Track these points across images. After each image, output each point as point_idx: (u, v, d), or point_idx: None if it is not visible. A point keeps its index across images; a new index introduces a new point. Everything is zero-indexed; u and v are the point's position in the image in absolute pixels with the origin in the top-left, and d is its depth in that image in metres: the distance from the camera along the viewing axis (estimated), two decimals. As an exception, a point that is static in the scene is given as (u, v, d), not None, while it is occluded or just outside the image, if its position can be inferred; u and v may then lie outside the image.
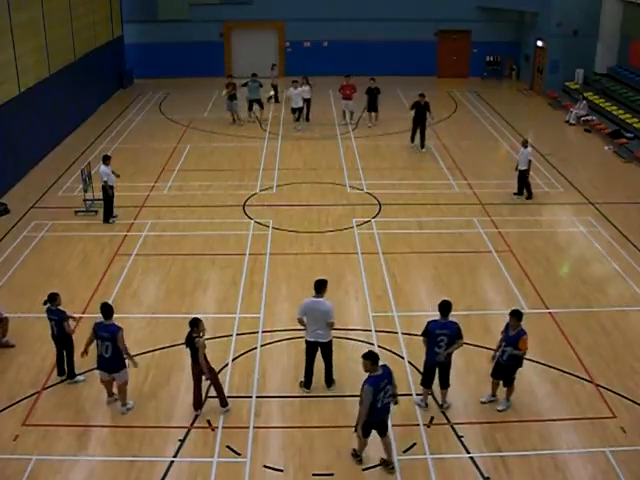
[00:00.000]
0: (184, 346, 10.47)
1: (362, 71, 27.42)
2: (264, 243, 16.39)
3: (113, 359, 10.44)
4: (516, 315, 10.51)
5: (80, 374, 11.40)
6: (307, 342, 11.02)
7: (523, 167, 18.86)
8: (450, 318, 10.46)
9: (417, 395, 10.96)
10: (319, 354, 11.09)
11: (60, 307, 11.24)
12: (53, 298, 11.19)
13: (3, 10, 19.69)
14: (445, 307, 10.45)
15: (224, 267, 15.24)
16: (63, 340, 11.21)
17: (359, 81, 25.86)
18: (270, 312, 13.46)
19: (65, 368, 11.41)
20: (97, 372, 10.80)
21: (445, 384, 10.73)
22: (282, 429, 10.42)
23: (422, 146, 23.29)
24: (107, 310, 10.54)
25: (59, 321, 11.11)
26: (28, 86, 21.33)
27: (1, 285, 14.33)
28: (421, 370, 10.89)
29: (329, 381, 11.21)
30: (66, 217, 17.81)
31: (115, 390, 10.85)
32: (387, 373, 9.33)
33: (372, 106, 25.48)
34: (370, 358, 9.20)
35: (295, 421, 10.58)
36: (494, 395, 10.93)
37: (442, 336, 10.32)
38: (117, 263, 15.41)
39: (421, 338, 10.68)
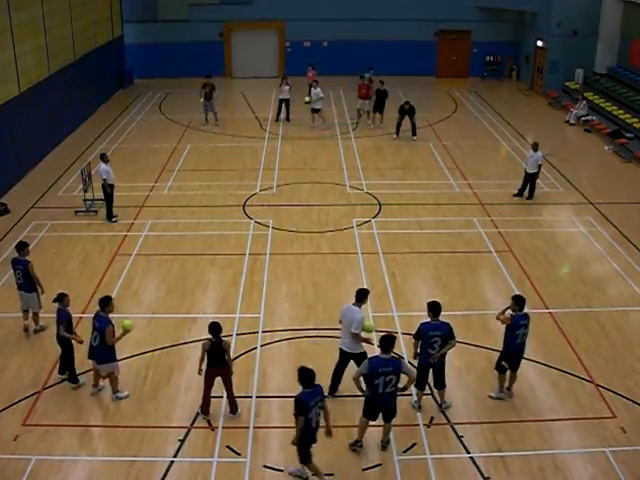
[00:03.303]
0: (203, 352, 10.19)
1: (362, 71, 27.41)
2: (264, 243, 16.39)
3: (99, 350, 10.63)
4: (514, 300, 10.69)
5: (80, 374, 11.37)
6: (339, 349, 10.85)
7: (532, 170, 18.85)
8: (441, 318, 10.45)
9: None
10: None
11: (60, 307, 11.20)
12: (60, 298, 11.15)
13: (3, 10, 19.68)
14: (437, 308, 10.43)
15: (224, 267, 15.25)
16: (62, 341, 11.15)
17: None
18: (270, 312, 13.46)
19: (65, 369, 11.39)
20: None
21: (441, 385, 10.70)
22: (282, 429, 10.40)
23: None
24: (103, 302, 10.74)
25: (56, 321, 11.09)
26: (28, 86, 21.32)
27: (1, 285, 14.33)
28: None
29: None
30: (66, 217, 17.81)
31: (102, 382, 11.02)
32: (395, 364, 9.51)
33: (378, 108, 25.58)
34: (380, 344, 9.66)
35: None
36: (502, 391, 11.01)
37: (435, 337, 10.30)
38: (117, 263, 15.42)
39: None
